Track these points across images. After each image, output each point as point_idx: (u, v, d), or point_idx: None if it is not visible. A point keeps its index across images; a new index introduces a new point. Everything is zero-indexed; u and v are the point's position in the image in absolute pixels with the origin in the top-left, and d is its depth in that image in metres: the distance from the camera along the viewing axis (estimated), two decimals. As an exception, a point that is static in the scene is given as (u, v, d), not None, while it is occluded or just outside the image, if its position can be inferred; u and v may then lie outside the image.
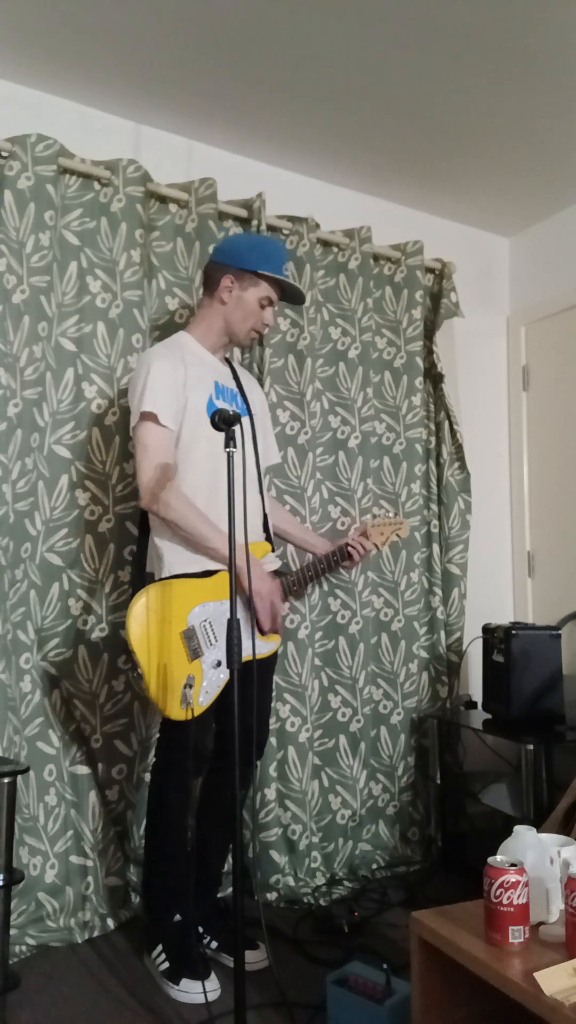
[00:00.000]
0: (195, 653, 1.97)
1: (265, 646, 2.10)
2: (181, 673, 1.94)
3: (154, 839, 2.08)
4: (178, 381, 2.05)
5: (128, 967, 2.06)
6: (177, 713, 1.93)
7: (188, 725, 1.98)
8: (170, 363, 2.06)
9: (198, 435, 2.06)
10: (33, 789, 2.25)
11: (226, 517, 2.04)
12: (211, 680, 1.99)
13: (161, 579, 2.02)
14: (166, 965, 1.97)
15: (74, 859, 2.29)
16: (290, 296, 2.24)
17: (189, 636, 1.97)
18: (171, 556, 2.03)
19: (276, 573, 2.21)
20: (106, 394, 2.42)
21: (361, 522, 2.36)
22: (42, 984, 1.97)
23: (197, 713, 1.95)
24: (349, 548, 2.31)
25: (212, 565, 2.04)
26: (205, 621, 2.00)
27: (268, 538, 2.22)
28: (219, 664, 2.00)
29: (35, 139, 2.31)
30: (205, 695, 1.97)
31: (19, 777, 2.02)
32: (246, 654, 2.02)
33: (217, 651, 2.00)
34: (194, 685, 1.95)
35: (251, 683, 1.92)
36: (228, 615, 2.01)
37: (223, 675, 2.00)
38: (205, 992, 1.86)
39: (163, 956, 1.99)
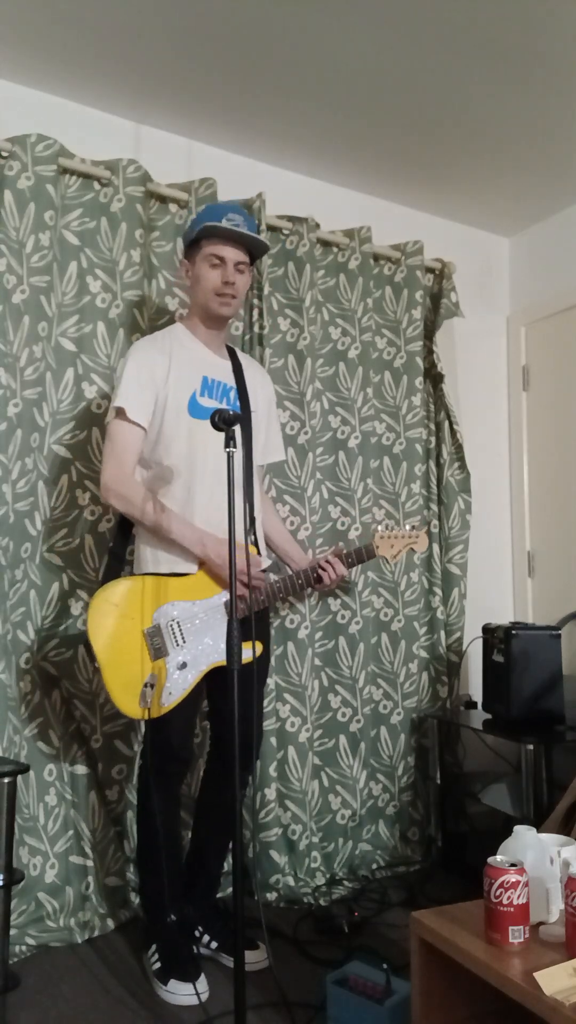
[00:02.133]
0: (158, 652, 1.95)
1: (244, 652, 2.02)
2: (141, 671, 1.93)
3: (142, 841, 2.08)
4: (157, 376, 2.04)
5: (128, 967, 2.06)
6: (134, 711, 1.91)
7: (162, 727, 1.97)
8: (151, 357, 2.05)
9: (177, 431, 2.05)
10: (33, 789, 2.25)
11: (201, 516, 2.04)
12: (175, 682, 1.96)
13: (132, 575, 2.02)
14: (158, 965, 1.97)
15: (74, 859, 2.29)
16: (252, 249, 2.10)
17: (152, 634, 1.96)
18: (147, 554, 2.04)
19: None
20: (106, 394, 2.42)
21: (371, 531, 2.29)
22: (42, 984, 1.97)
23: (156, 715, 1.93)
24: (318, 572, 2.20)
25: (184, 567, 2.02)
26: (172, 621, 1.98)
27: (255, 540, 2.15)
28: (184, 666, 1.97)
29: (35, 139, 2.31)
30: (169, 696, 1.95)
31: (19, 777, 2.02)
32: (220, 659, 2.02)
33: (184, 652, 1.98)
34: (155, 685, 1.93)
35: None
36: (201, 616, 2.01)
37: (189, 677, 1.98)
38: (198, 994, 1.86)
39: (156, 956, 2.00)
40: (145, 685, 1.92)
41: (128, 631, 1.94)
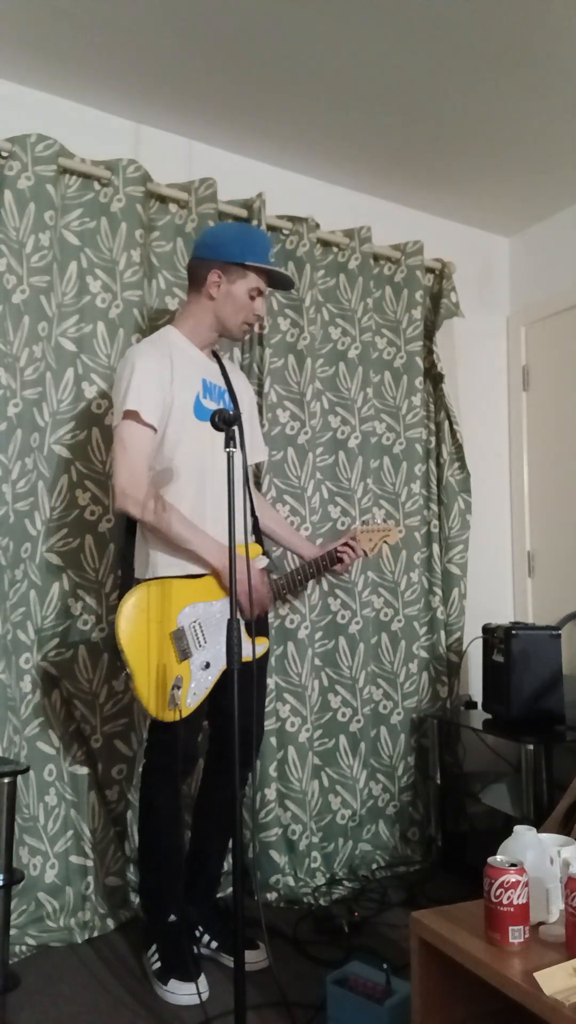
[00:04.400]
0: (184, 654, 1.97)
1: (247, 649, 2.04)
2: (170, 674, 1.94)
3: (146, 840, 2.08)
4: (164, 379, 2.04)
5: (128, 967, 2.06)
6: (165, 714, 1.92)
7: (175, 727, 1.98)
8: (156, 361, 2.04)
9: (184, 435, 2.05)
10: (33, 789, 2.25)
11: (211, 518, 2.05)
12: (199, 682, 1.98)
13: (148, 579, 2.01)
14: (158, 965, 1.97)
15: (74, 859, 2.29)
16: (279, 283, 2.21)
17: (179, 637, 1.97)
18: (157, 558, 2.02)
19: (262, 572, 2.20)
20: (106, 394, 2.42)
21: (351, 528, 2.32)
22: (42, 984, 1.97)
23: (185, 715, 1.95)
24: (339, 552, 2.30)
25: (195, 569, 2.02)
26: (194, 622, 2.00)
27: (258, 539, 2.20)
28: (207, 666, 2.00)
29: (35, 139, 2.31)
30: (193, 696, 1.97)
31: (19, 777, 2.02)
32: None
33: (205, 653, 2.00)
34: (182, 686, 1.94)
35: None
36: (217, 616, 2.03)
37: (211, 677, 2.00)
38: (199, 993, 1.86)
39: (156, 956, 2.00)
40: (173, 687, 1.93)
41: (155, 635, 1.95)
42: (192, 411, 2.07)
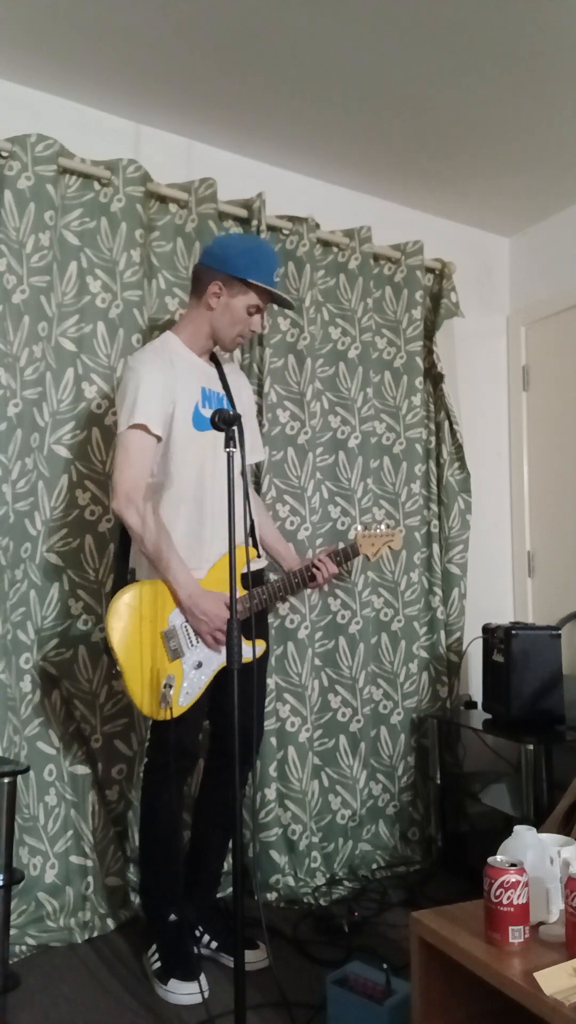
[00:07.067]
0: (175, 653, 1.97)
1: (247, 651, 2.02)
2: (161, 672, 1.95)
3: (147, 839, 2.09)
4: (168, 388, 2.04)
5: (128, 967, 2.06)
6: (155, 712, 1.93)
7: (174, 725, 1.98)
8: (160, 370, 2.05)
9: (183, 443, 2.05)
10: (33, 789, 2.25)
11: (212, 522, 2.05)
12: (192, 681, 1.99)
13: (143, 579, 2.02)
14: (158, 965, 1.97)
15: (74, 859, 2.29)
16: (279, 302, 2.20)
17: (169, 636, 1.97)
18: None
19: (259, 574, 2.20)
20: (106, 394, 2.42)
21: (354, 531, 2.31)
22: (42, 984, 1.97)
23: (176, 714, 1.96)
24: (312, 570, 2.21)
25: (193, 571, 2.02)
26: (186, 622, 2.00)
27: (254, 543, 2.20)
28: (200, 665, 2.00)
29: (35, 139, 2.31)
30: (186, 696, 1.98)
31: (19, 777, 2.02)
32: (224, 661, 2.02)
33: (198, 652, 2.01)
34: (174, 685, 1.95)
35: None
36: None
37: (204, 676, 2.01)
38: (202, 992, 1.86)
39: (156, 956, 2.00)
40: (165, 686, 1.94)
41: (146, 633, 1.96)
42: (191, 420, 2.07)
